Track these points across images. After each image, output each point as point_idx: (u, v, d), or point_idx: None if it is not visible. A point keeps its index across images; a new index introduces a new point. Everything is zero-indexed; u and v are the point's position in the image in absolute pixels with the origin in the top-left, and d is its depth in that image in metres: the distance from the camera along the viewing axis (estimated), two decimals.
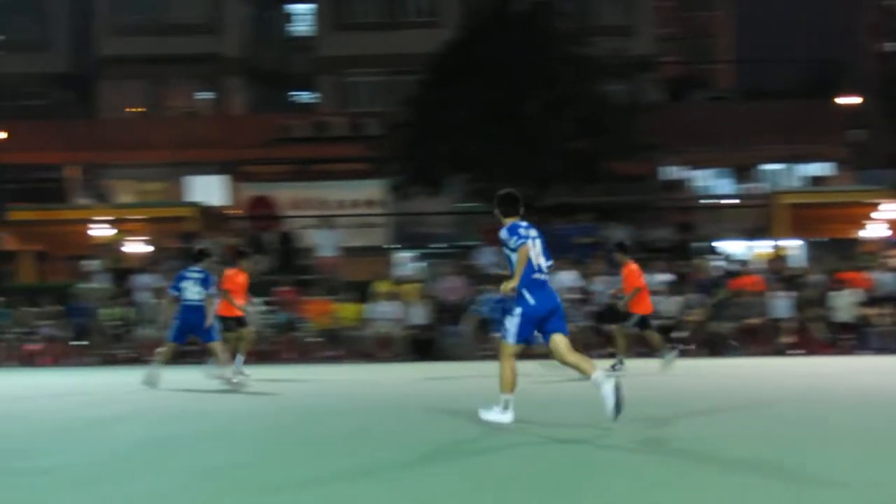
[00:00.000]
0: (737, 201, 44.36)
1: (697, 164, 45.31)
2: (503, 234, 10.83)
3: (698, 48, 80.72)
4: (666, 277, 27.57)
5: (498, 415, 10.75)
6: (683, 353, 25.67)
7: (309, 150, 42.76)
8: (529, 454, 9.24)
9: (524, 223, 10.94)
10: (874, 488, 7.34)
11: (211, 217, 35.43)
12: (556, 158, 33.31)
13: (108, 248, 32.85)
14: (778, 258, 30.99)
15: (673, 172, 44.68)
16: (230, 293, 19.29)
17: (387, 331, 27.34)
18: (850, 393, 15.24)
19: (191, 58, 45.58)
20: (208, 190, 41.66)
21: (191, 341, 18.87)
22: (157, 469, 8.76)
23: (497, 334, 10.98)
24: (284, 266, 31.45)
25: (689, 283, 27.92)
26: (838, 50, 75.25)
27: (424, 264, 34.80)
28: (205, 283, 17.64)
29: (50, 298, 29.02)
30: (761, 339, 26.65)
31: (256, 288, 28.69)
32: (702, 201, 44.57)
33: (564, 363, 10.95)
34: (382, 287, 28.18)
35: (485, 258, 29.54)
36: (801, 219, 33.11)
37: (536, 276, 10.77)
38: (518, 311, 10.74)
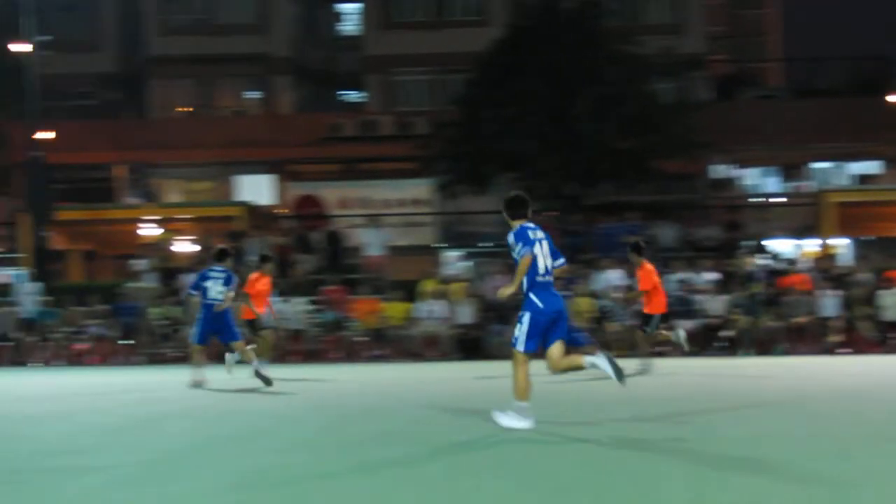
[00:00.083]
0: (785, 200, 44.11)
1: (746, 163, 45.10)
2: (510, 238, 10.81)
3: (747, 46, 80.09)
4: (712, 276, 27.47)
5: (516, 420, 10.67)
6: (729, 352, 25.71)
7: (356, 149, 42.87)
8: (566, 453, 9.29)
9: (531, 225, 10.92)
10: None
11: (259, 216, 35.52)
12: (604, 157, 33.28)
13: (156, 248, 32.98)
14: (826, 257, 30.77)
15: (721, 171, 44.49)
16: (250, 298, 19.40)
17: (434, 330, 27.34)
18: None
19: (239, 57, 45.87)
20: (256, 189, 41.77)
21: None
22: (206, 468, 8.84)
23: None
24: (332, 265, 31.49)
25: (735, 282, 27.78)
26: (888, 47, 74.69)
27: (471, 263, 34.81)
28: (227, 282, 17.70)
29: (98, 298, 29.17)
30: (809, 338, 26.47)
31: (304, 287, 29.05)
32: (750, 200, 44.35)
33: (558, 371, 10.98)
34: (429, 286, 28.16)
35: None
36: (849, 217, 32.82)
37: (541, 278, 10.75)
38: (526, 315, 10.71)
